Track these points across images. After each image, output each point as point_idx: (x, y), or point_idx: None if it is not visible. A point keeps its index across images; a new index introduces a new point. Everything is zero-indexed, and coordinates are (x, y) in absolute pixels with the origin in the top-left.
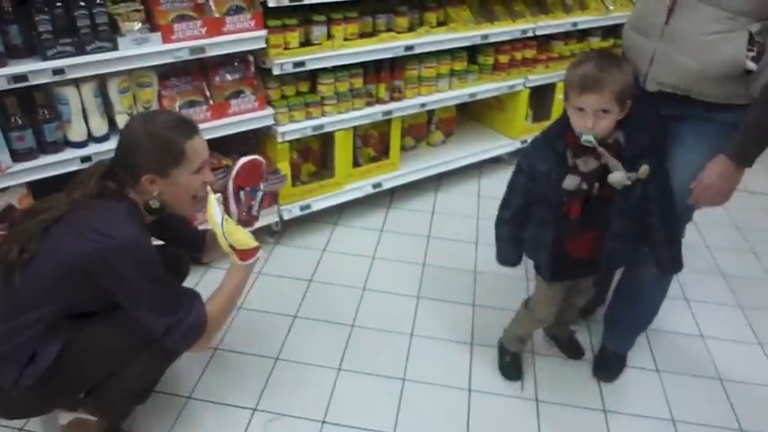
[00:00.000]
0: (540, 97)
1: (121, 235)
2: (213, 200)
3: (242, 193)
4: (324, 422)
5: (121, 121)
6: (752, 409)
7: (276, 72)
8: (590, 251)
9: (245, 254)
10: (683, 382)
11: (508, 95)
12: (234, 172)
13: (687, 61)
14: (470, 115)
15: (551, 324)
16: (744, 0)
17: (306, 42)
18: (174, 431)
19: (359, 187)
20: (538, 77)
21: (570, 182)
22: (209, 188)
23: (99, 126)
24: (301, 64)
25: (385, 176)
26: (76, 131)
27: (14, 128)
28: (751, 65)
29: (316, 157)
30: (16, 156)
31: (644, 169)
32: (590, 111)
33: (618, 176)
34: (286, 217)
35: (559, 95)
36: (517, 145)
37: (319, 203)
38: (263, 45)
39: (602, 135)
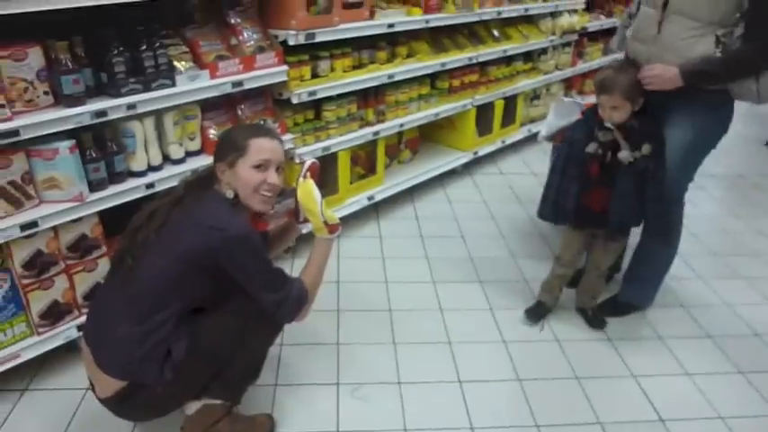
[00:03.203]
0: (483, 114)
1: (236, 227)
2: (312, 183)
3: None
4: (399, 383)
5: (173, 150)
6: None
7: (295, 101)
8: (603, 206)
9: (334, 228)
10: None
11: (459, 114)
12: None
13: (673, 58)
14: (425, 136)
15: (579, 294)
16: (708, 13)
17: (314, 75)
18: (274, 412)
19: (357, 201)
20: (481, 97)
21: (591, 147)
22: (304, 174)
23: (156, 156)
24: (314, 93)
25: (374, 190)
26: (139, 162)
27: (90, 160)
28: None
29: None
30: (92, 186)
31: (646, 148)
32: (605, 106)
33: (624, 154)
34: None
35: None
36: (470, 156)
37: None
38: (285, 78)
39: (617, 122)
